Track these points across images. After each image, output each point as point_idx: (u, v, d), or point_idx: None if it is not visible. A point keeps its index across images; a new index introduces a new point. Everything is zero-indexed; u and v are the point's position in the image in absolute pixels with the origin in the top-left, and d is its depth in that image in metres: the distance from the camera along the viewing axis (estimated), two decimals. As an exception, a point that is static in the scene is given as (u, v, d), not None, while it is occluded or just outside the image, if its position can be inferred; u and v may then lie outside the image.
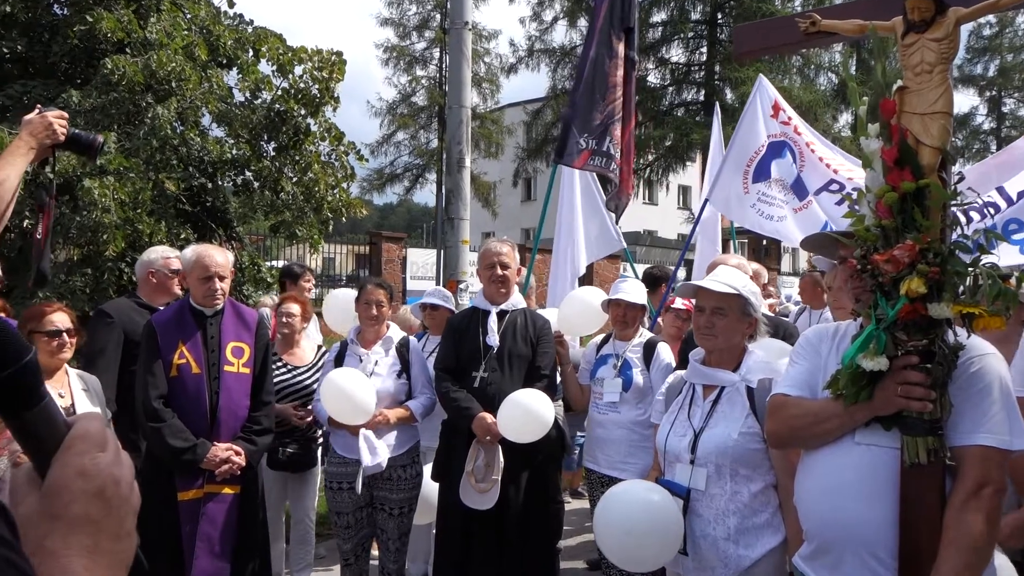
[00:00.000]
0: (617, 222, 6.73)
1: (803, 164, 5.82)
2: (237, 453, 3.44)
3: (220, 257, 3.57)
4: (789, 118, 5.99)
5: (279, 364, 4.52)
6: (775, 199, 6.03)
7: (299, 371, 4.56)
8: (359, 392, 3.81)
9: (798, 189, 5.90)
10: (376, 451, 3.89)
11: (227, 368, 3.46)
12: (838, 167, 5.65)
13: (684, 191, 39.68)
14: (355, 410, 3.83)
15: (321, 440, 4.60)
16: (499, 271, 3.98)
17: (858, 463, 1.98)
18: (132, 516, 0.80)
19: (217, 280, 3.52)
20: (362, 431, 3.90)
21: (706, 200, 6.36)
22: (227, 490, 3.42)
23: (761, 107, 6.08)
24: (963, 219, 1.99)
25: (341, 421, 3.93)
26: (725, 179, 6.17)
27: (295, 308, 4.67)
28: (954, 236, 1.98)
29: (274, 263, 13.63)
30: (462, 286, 9.31)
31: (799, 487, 2.16)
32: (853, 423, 2.01)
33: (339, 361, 4.14)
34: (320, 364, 4.57)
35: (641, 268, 7.59)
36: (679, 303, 5.45)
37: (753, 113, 6.09)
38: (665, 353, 4.11)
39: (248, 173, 9.24)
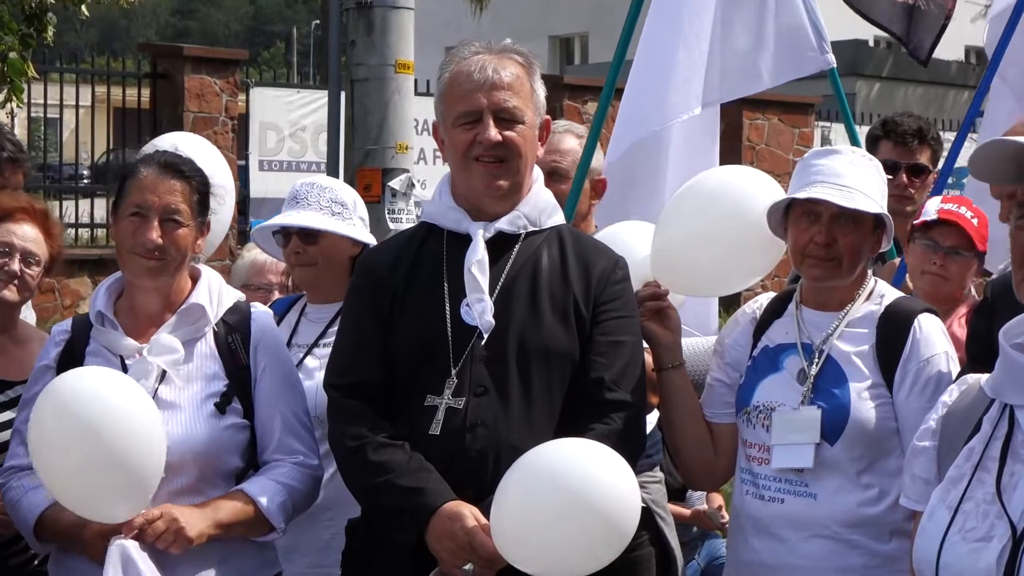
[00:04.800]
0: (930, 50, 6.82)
1: None
2: None
3: None
4: None
5: None
6: None
7: (16, 393, 4.74)
8: (125, 427, 3.89)
9: None
10: None
11: None
12: None
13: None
14: (116, 479, 3.92)
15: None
16: (491, 131, 4.03)
17: None
18: None
19: None
20: (115, 543, 3.96)
21: None
22: None
23: None
24: None
25: (77, 511, 4.01)
26: None
27: (31, 233, 4.85)
28: None
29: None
30: (397, 185, 9.40)
31: None
32: None
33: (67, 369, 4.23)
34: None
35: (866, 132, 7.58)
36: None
37: None
38: (934, 338, 4.18)
39: None
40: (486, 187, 4.07)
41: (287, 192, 5.32)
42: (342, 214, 5.06)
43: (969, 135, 6.97)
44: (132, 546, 3.94)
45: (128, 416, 3.92)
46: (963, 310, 5.41)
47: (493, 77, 4.03)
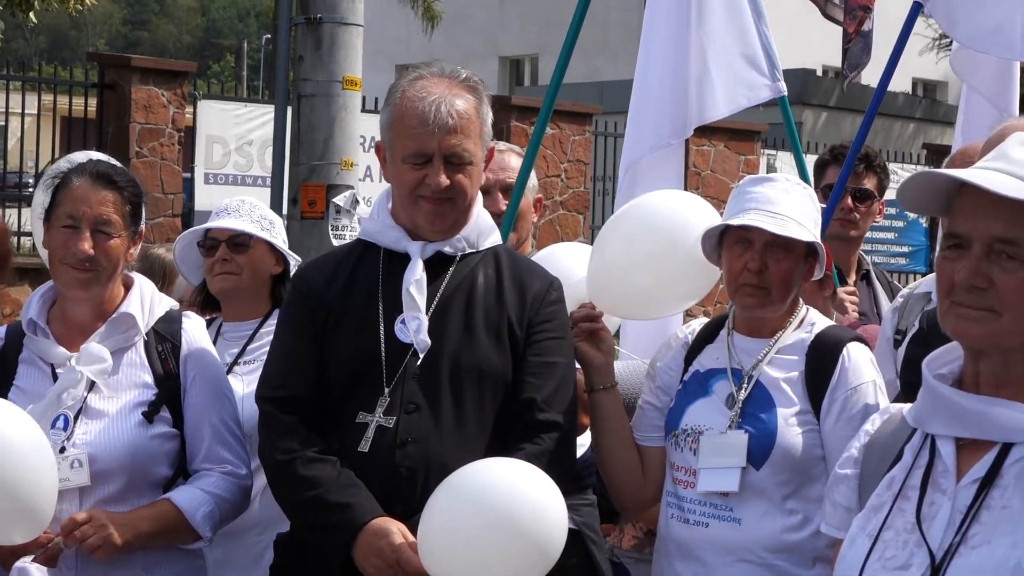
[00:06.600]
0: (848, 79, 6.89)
1: None
2: None
3: None
4: None
5: None
6: None
7: None
8: (5, 456, 3.86)
9: None
10: None
11: None
12: None
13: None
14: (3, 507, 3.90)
15: None
16: (440, 177, 4.01)
17: None
18: None
19: None
20: (15, 568, 3.96)
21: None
22: None
23: None
24: None
25: None
26: None
27: None
28: None
29: None
30: (341, 201, 9.40)
31: None
32: None
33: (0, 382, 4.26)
34: None
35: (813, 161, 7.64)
36: None
37: None
38: (862, 367, 4.22)
39: None
40: (430, 225, 4.09)
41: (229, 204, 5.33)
42: (270, 230, 5.12)
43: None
44: (34, 569, 3.93)
45: (8, 445, 3.87)
46: None
47: (447, 120, 3.99)
